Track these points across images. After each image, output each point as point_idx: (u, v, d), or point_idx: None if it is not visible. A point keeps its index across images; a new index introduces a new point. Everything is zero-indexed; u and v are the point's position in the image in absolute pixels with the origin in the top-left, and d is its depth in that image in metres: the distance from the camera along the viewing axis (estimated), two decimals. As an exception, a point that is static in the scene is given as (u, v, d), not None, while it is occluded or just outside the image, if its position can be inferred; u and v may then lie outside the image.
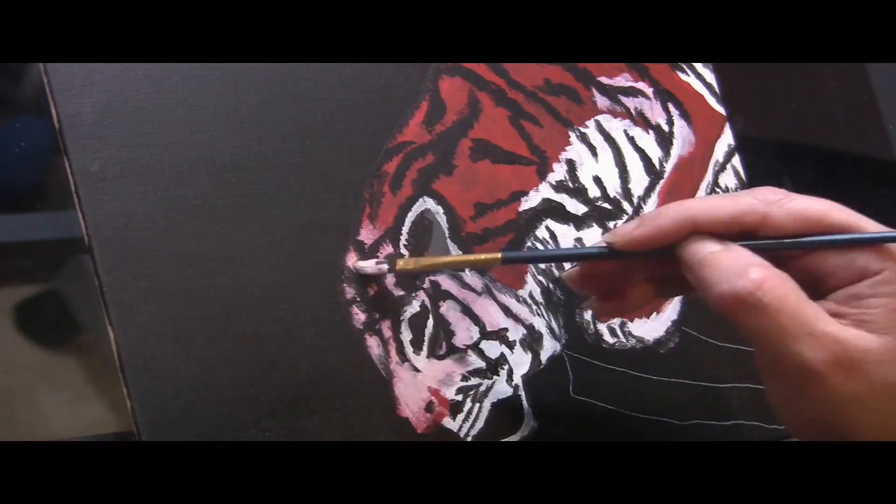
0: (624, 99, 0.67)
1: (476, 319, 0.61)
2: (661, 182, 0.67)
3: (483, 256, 0.57)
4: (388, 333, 0.58)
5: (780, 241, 0.52)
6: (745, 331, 0.51)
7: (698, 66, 0.69)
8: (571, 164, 0.65)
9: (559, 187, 0.64)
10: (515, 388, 0.61)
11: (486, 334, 0.61)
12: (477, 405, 0.60)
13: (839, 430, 0.50)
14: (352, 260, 0.58)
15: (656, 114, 0.68)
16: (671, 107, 0.68)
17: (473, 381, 0.60)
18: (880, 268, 0.51)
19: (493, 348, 0.61)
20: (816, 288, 0.52)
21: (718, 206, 0.52)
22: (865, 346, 0.49)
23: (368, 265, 0.57)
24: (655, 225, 0.52)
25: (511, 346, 0.61)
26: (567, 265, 0.61)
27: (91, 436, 0.66)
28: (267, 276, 0.56)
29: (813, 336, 0.49)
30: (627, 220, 0.58)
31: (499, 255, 0.56)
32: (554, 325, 0.63)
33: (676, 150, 0.68)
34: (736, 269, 0.50)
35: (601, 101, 0.66)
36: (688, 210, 0.52)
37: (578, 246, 0.61)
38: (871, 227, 0.52)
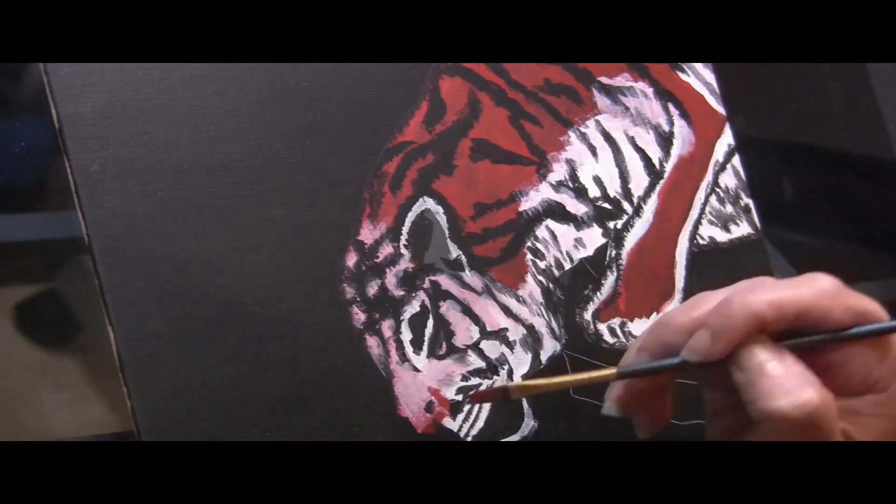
0: (624, 99, 0.67)
1: (476, 319, 0.61)
2: (661, 182, 0.67)
3: (597, 374, 0.55)
4: (388, 333, 0.58)
5: (830, 334, 0.53)
6: (772, 436, 0.52)
7: (698, 66, 0.69)
8: (571, 164, 0.65)
9: (559, 187, 0.64)
10: (515, 388, 0.61)
11: (486, 334, 0.61)
12: (477, 405, 0.60)
13: None
14: (352, 260, 0.58)
15: (656, 114, 0.68)
16: (671, 107, 0.68)
17: (473, 381, 0.60)
18: (887, 386, 0.53)
19: (493, 348, 0.61)
20: (826, 380, 0.52)
21: (786, 306, 0.52)
22: None
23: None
24: (730, 338, 0.52)
25: (511, 346, 0.61)
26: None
27: (91, 436, 0.66)
28: (267, 276, 0.56)
29: None
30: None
31: (614, 370, 0.55)
32: (554, 325, 0.63)
33: (676, 150, 0.68)
34: (792, 384, 0.51)
35: (601, 101, 0.66)
36: (756, 312, 0.52)
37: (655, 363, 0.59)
38: None
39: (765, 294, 0.52)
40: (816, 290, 0.53)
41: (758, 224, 0.69)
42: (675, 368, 0.54)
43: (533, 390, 0.56)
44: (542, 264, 0.63)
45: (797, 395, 0.50)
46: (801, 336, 0.53)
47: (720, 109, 0.70)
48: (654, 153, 0.67)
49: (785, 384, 0.51)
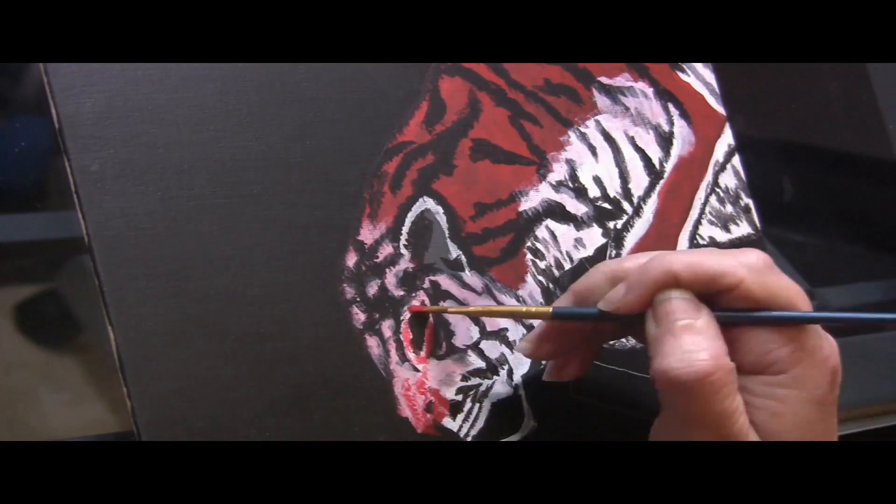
0: (624, 99, 0.67)
1: (476, 319, 0.61)
2: (661, 182, 0.67)
3: (534, 309, 0.58)
4: (388, 333, 0.58)
5: (748, 314, 0.53)
6: (665, 400, 0.53)
7: (698, 66, 0.69)
8: (571, 164, 0.65)
9: (559, 187, 0.64)
10: (515, 388, 0.61)
11: (486, 334, 0.61)
12: (477, 405, 0.60)
13: None
14: (352, 260, 0.58)
15: (656, 114, 0.68)
16: (671, 107, 0.68)
17: (473, 381, 0.60)
18: (783, 370, 0.52)
19: (493, 348, 0.61)
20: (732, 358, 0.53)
21: (700, 266, 0.53)
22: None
23: None
24: (642, 290, 0.53)
25: (511, 346, 0.61)
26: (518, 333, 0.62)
27: (91, 436, 0.66)
28: (267, 276, 0.56)
29: (718, 434, 0.51)
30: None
31: (551, 309, 0.56)
32: (554, 325, 0.62)
33: (676, 150, 0.68)
34: (691, 349, 0.51)
35: (601, 101, 0.66)
36: (671, 267, 0.53)
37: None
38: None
39: (686, 255, 0.53)
40: (740, 260, 0.53)
41: (758, 224, 0.69)
42: (593, 317, 0.55)
43: (469, 312, 0.59)
44: (542, 264, 0.63)
45: (693, 359, 0.51)
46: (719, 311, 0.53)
47: (720, 109, 0.70)
48: (654, 153, 0.67)
49: (685, 346, 0.51)
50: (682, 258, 0.53)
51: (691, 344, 0.51)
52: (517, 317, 0.61)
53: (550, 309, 0.56)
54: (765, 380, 0.52)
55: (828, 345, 0.53)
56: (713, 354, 0.51)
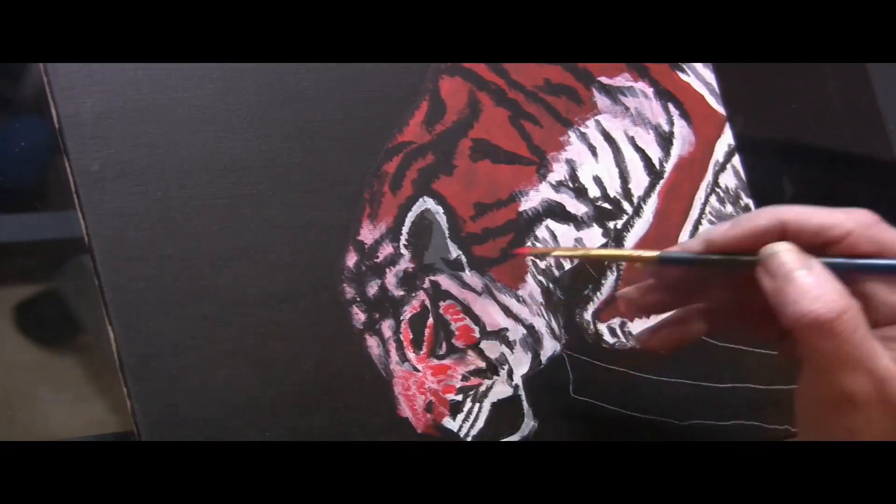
0: (624, 99, 0.67)
1: (476, 319, 0.61)
2: (661, 182, 0.67)
3: (640, 253, 0.58)
4: (388, 333, 0.58)
5: (859, 261, 0.53)
6: (807, 348, 0.52)
7: (698, 66, 0.69)
8: (571, 164, 0.65)
9: (559, 187, 0.64)
10: (515, 388, 0.61)
11: (486, 334, 0.61)
12: (477, 405, 0.60)
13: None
14: (352, 260, 0.58)
15: (656, 114, 0.68)
16: (671, 107, 0.68)
17: (473, 381, 0.60)
18: None
19: (493, 348, 0.61)
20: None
21: (811, 215, 0.53)
22: None
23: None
24: (750, 226, 0.54)
25: (511, 346, 0.61)
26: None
27: (91, 436, 0.66)
28: (267, 276, 0.56)
29: (867, 371, 0.51)
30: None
31: (657, 253, 0.57)
32: (554, 325, 0.63)
33: (676, 150, 0.68)
34: (819, 292, 0.51)
35: (601, 101, 0.66)
36: (781, 214, 0.54)
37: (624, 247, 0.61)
38: None
39: (795, 207, 0.54)
40: (848, 215, 0.54)
41: (758, 224, 0.69)
42: (697, 262, 0.55)
43: (576, 255, 0.61)
44: (542, 264, 0.63)
45: (826, 299, 0.51)
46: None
47: (720, 109, 0.70)
48: (654, 153, 0.67)
49: (814, 290, 0.51)
50: (791, 208, 0.54)
51: (817, 287, 0.51)
52: (623, 260, 0.61)
53: (657, 253, 0.56)
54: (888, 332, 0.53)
55: None
56: (840, 293, 0.51)
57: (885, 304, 0.53)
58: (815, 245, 0.53)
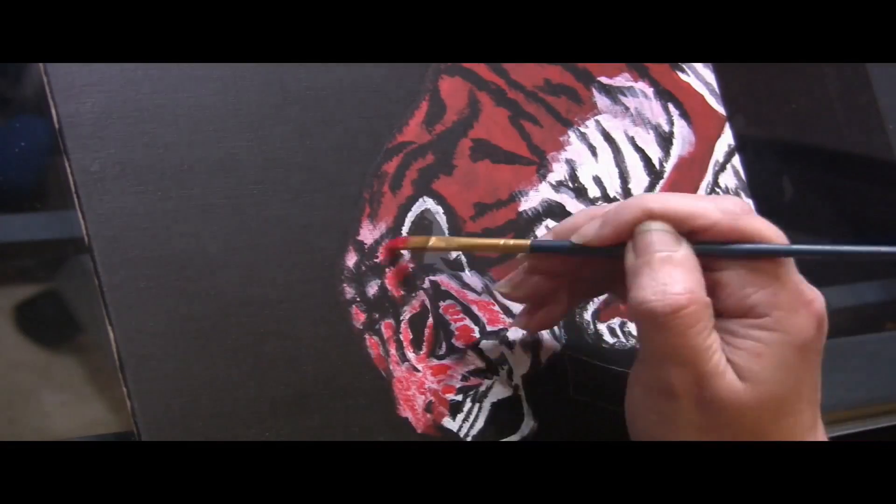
0: (624, 99, 0.67)
1: (476, 319, 0.61)
2: (661, 182, 0.67)
3: (512, 242, 0.58)
4: (388, 333, 0.58)
5: (722, 246, 0.53)
6: (641, 335, 0.53)
7: (698, 66, 0.69)
8: (571, 164, 0.65)
9: (559, 187, 0.64)
10: (515, 388, 0.61)
11: (486, 334, 0.61)
12: (477, 405, 0.60)
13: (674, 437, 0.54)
14: (352, 260, 0.58)
15: (656, 114, 0.68)
16: (671, 107, 0.68)
17: (473, 381, 0.60)
18: (765, 313, 0.52)
19: (493, 348, 0.61)
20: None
21: (675, 205, 0.53)
22: (727, 390, 0.52)
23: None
24: (617, 224, 0.54)
25: (511, 346, 0.61)
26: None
27: (91, 436, 0.66)
28: (267, 276, 0.56)
29: (692, 367, 0.51)
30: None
31: (529, 242, 0.57)
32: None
33: (676, 150, 0.68)
34: (666, 282, 0.51)
35: (601, 101, 0.66)
36: (646, 203, 0.53)
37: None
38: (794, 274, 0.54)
39: (662, 195, 0.55)
40: (716, 204, 0.54)
41: (758, 224, 0.69)
42: (567, 251, 0.55)
43: (450, 245, 0.59)
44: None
45: (669, 292, 0.51)
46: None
47: (720, 109, 0.70)
48: (654, 153, 0.67)
49: (661, 279, 0.51)
50: (657, 197, 0.54)
51: (667, 276, 0.51)
52: (496, 250, 0.60)
53: (528, 242, 0.57)
54: (745, 322, 0.53)
55: (810, 291, 0.54)
56: (688, 288, 0.51)
57: (735, 295, 0.53)
58: (683, 233, 0.53)
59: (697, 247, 0.53)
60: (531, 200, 0.63)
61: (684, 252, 0.52)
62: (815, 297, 0.53)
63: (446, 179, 0.61)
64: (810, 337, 0.53)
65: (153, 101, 0.55)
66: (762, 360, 0.52)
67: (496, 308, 0.61)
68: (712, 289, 0.53)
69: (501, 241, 0.58)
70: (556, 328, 0.62)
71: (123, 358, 0.53)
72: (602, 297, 0.64)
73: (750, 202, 0.69)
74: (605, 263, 0.56)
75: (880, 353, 0.81)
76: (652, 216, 0.53)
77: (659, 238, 0.52)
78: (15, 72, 0.72)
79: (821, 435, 0.54)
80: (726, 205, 0.54)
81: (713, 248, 0.53)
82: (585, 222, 0.55)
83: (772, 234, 0.53)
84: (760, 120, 0.73)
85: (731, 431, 0.52)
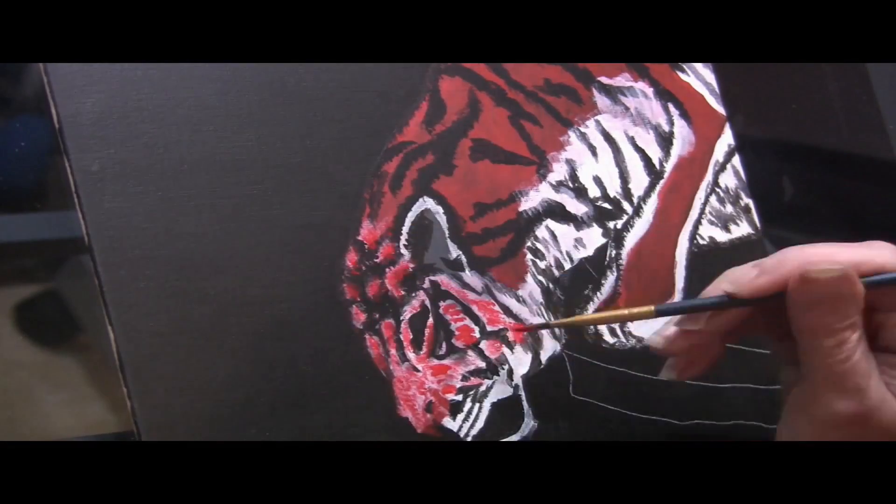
0: (624, 99, 0.67)
1: (476, 319, 0.61)
2: (661, 182, 0.67)
3: (636, 311, 0.56)
4: (388, 333, 0.58)
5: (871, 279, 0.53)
6: (807, 364, 0.53)
7: (698, 66, 0.69)
8: (571, 164, 0.65)
9: (559, 187, 0.64)
10: (515, 388, 0.61)
11: (486, 334, 0.61)
12: (477, 405, 0.60)
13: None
14: (352, 260, 0.58)
15: (656, 114, 0.68)
16: (671, 107, 0.68)
17: (473, 381, 0.60)
18: None
19: (493, 348, 0.61)
20: (873, 339, 0.54)
21: (836, 256, 0.53)
22: (889, 417, 0.52)
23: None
24: (778, 275, 0.53)
25: (511, 346, 0.61)
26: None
27: (91, 436, 0.66)
28: (267, 276, 0.56)
29: (856, 391, 0.52)
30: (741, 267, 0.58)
31: (652, 308, 0.56)
32: (554, 325, 0.63)
33: (676, 150, 0.68)
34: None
35: (601, 101, 0.66)
36: (806, 258, 0.53)
37: (702, 299, 0.60)
38: None
39: (822, 247, 0.53)
40: (874, 252, 0.54)
41: (758, 224, 0.69)
42: (714, 305, 0.54)
43: (575, 324, 0.59)
44: (542, 264, 0.63)
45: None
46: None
47: (720, 109, 0.70)
48: (654, 153, 0.67)
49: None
50: (815, 250, 0.54)
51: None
52: (621, 320, 0.60)
53: (653, 308, 0.55)
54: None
55: None
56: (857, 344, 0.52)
57: (885, 331, 0.54)
58: None
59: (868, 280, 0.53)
60: (531, 200, 0.63)
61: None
62: None
63: (446, 179, 0.61)
64: None
65: (153, 101, 0.55)
66: None
67: (496, 308, 0.61)
68: (882, 327, 0.54)
69: (624, 312, 0.57)
70: (556, 328, 0.62)
71: (123, 358, 0.53)
72: (602, 298, 0.64)
73: (750, 202, 0.69)
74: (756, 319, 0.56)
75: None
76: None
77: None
78: (15, 72, 0.72)
79: None
80: (884, 252, 0.54)
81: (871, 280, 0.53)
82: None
83: None
84: (760, 120, 0.73)
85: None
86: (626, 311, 0.56)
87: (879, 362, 0.53)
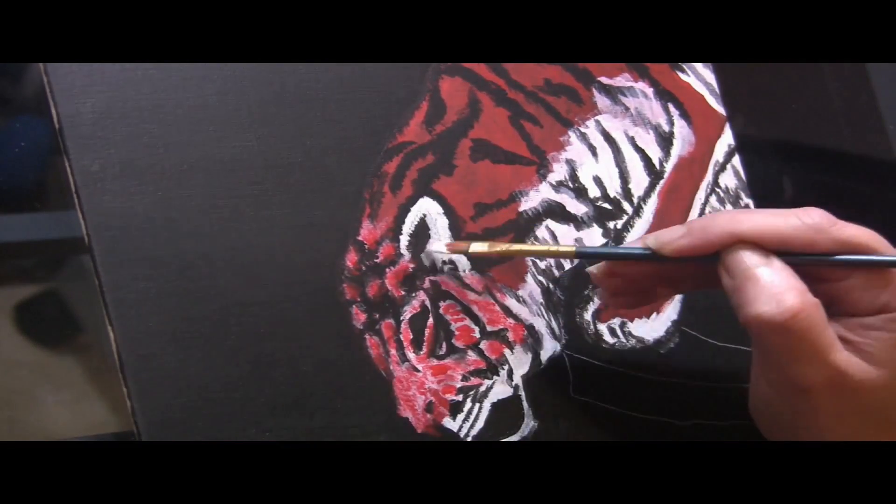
0: (624, 99, 0.67)
1: (476, 319, 0.61)
2: (661, 182, 0.67)
3: (560, 248, 0.59)
4: (388, 333, 0.58)
5: (819, 257, 0.54)
6: (761, 343, 0.54)
7: (698, 66, 0.69)
8: (571, 164, 0.65)
9: (559, 187, 0.64)
10: (515, 388, 0.61)
11: (486, 334, 0.61)
12: (477, 405, 0.60)
13: (809, 436, 0.55)
14: (352, 260, 0.58)
15: (656, 114, 0.68)
16: (671, 107, 0.68)
17: (473, 381, 0.60)
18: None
19: (493, 348, 0.61)
20: (831, 307, 0.54)
21: (767, 226, 0.54)
22: (862, 376, 0.53)
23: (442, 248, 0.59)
24: (703, 237, 0.54)
25: (511, 346, 0.61)
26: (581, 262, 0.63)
27: (91, 436, 0.66)
28: (267, 276, 0.56)
29: (820, 363, 0.52)
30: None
31: (573, 248, 0.58)
32: (554, 325, 0.63)
33: (676, 150, 0.68)
34: (775, 291, 0.52)
35: (601, 101, 0.66)
36: (737, 225, 0.54)
37: (614, 245, 0.62)
38: None
39: (752, 216, 0.54)
40: (802, 216, 0.54)
41: (758, 224, 0.69)
42: (633, 256, 0.56)
43: (491, 253, 0.59)
44: (542, 264, 0.63)
45: (778, 301, 0.52)
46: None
47: (720, 109, 0.70)
48: (654, 153, 0.67)
49: (769, 289, 0.52)
50: (747, 218, 0.54)
51: (774, 286, 0.52)
52: (543, 255, 0.61)
53: (573, 249, 0.58)
54: (882, 318, 0.54)
55: None
56: (799, 291, 0.52)
57: (865, 297, 0.54)
58: (773, 249, 0.54)
59: (791, 258, 0.54)
60: (531, 200, 0.63)
61: (778, 263, 0.53)
62: None
63: (446, 179, 0.61)
64: None
65: (153, 101, 0.55)
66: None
67: (496, 308, 0.61)
68: (838, 297, 0.54)
69: (549, 248, 0.59)
70: (556, 328, 0.62)
71: (123, 358, 0.53)
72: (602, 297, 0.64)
73: (750, 202, 0.69)
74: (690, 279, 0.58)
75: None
76: (742, 241, 0.54)
77: (749, 255, 0.53)
78: (15, 72, 0.72)
79: None
80: (813, 219, 0.54)
81: (809, 259, 0.54)
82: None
83: (867, 238, 0.54)
84: (760, 120, 0.73)
85: (869, 416, 0.54)
86: (549, 248, 0.60)
87: (845, 325, 0.54)
